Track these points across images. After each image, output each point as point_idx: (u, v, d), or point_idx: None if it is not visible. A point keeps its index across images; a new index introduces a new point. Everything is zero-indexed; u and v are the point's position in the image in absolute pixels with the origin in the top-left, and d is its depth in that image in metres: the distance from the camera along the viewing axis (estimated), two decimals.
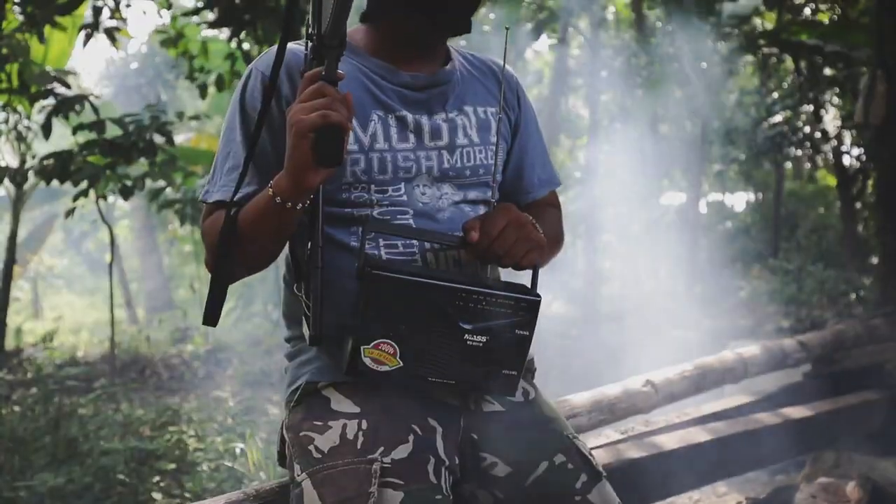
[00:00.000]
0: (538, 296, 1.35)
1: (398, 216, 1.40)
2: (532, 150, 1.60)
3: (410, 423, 1.37)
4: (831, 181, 12.35)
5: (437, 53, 1.48)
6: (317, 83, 1.20)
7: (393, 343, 1.30)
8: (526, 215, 1.37)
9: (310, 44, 1.25)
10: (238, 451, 3.42)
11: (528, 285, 1.37)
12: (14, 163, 7.71)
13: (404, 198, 1.41)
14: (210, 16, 5.81)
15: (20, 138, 7.69)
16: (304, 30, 1.29)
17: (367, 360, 1.30)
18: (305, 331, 1.33)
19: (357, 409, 1.37)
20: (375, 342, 1.29)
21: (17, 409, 4.34)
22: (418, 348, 1.30)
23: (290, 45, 1.36)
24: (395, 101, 1.42)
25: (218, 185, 1.40)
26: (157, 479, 3.23)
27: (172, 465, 3.31)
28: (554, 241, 1.54)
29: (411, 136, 1.42)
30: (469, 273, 1.42)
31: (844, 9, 9.10)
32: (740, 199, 15.23)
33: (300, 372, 1.46)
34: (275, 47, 1.35)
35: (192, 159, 8.72)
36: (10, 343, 8.12)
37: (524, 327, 1.33)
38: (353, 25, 1.45)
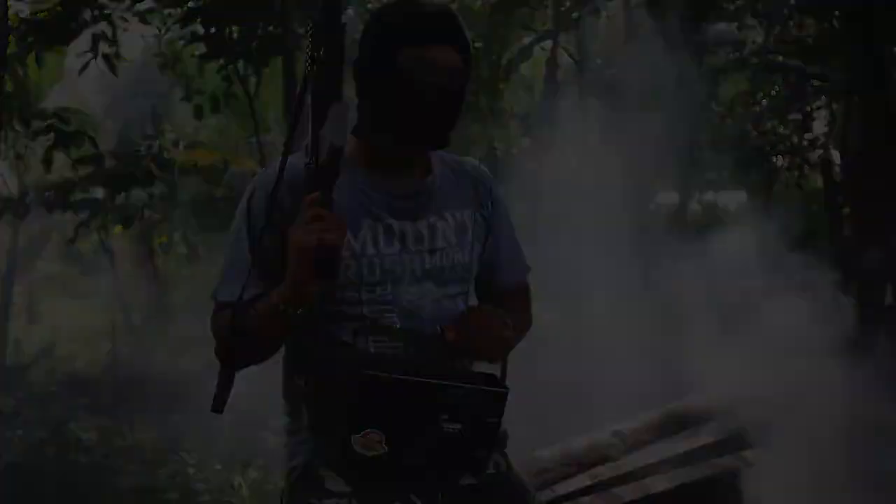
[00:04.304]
0: (506, 388, 1.56)
1: (385, 314, 1.60)
2: (503, 242, 1.81)
3: (395, 502, 1.55)
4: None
5: (419, 163, 1.66)
6: (315, 207, 1.39)
7: (380, 432, 1.48)
8: (497, 315, 1.59)
9: (309, 169, 1.44)
10: (236, 484, 3.59)
11: (499, 374, 1.57)
12: (13, 181, 7.86)
13: (390, 297, 1.61)
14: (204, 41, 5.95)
15: (19, 156, 7.84)
16: (305, 146, 1.46)
17: (357, 447, 1.48)
18: (306, 418, 1.51)
19: (348, 489, 1.57)
20: (364, 431, 1.48)
21: (20, 432, 4.48)
22: (402, 435, 1.49)
23: (289, 159, 1.54)
24: (383, 211, 1.62)
25: (227, 285, 1.58)
26: None
27: (175, 496, 3.47)
28: (521, 328, 1.76)
29: (397, 242, 1.61)
30: (446, 363, 1.61)
31: (832, 21, 9.24)
32: (733, 199, 15.37)
33: (298, 450, 1.65)
34: (277, 161, 1.53)
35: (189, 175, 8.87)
36: (10, 355, 8.24)
37: (493, 416, 1.54)
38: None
